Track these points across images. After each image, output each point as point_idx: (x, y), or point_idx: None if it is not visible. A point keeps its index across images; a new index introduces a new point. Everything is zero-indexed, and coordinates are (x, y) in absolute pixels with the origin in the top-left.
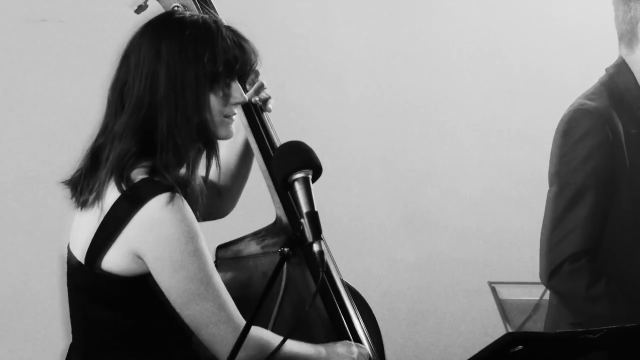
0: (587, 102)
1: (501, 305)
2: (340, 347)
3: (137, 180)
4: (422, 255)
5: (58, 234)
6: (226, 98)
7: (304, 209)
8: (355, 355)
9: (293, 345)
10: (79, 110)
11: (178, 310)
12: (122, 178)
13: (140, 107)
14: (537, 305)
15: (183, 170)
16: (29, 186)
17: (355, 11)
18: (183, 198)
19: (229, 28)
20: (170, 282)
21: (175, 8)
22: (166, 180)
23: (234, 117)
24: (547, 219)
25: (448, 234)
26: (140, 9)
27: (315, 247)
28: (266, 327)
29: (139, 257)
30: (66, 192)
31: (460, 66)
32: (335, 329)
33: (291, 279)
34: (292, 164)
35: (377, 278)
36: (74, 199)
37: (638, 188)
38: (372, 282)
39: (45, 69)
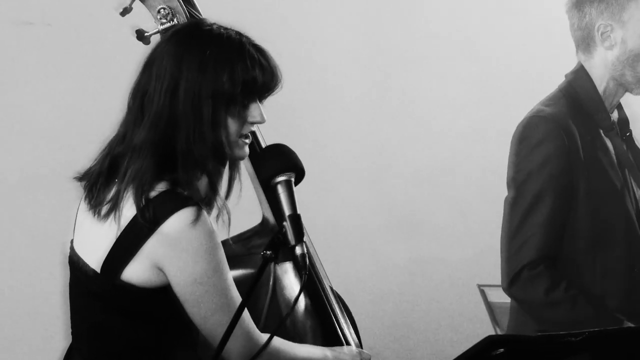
0: (544, 108)
1: (490, 307)
2: (345, 353)
3: (159, 193)
4: (411, 257)
5: (56, 235)
6: (243, 118)
7: (287, 212)
8: None
9: (299, 349)
10: (66, 113)
11: (197, 322)
12: (141, 193)
13: (158, 121)
14: None
15: (204, 189)
16: (15, 188)
17: (345, 12)
18: (206, 213)
19: (255, 47)
20: (191, 296)
21: (162, 10)
22: (189, 194)
23: (247, 140)
24: (506, 226)
25: (437, 236)
26: (125, 11)
27: (298, 250)
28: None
29: (160, 270)
30: (59, 193)
31: (450, 68)
32: (324, 332)
33: (279, 280)
34: (275, 166)
35: (366, 280)
36: (87, 200)
37: (595, 194)
38: (361, 284)
39: (32, 72)
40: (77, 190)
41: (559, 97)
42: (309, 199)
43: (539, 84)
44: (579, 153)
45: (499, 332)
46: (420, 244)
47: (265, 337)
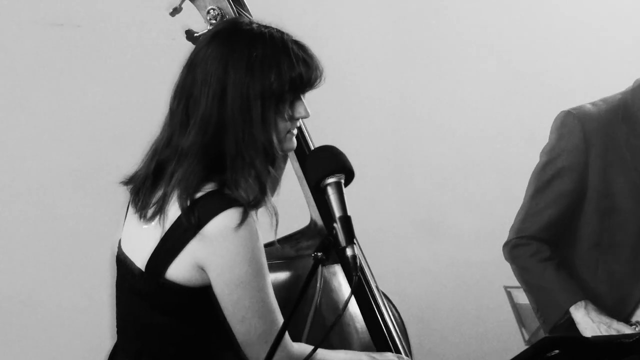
0: (587, 105)
1: (517, 309)
2: (381, 358)
3: (205, 193)
4: (437, 259)
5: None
6: (290, 115)
7: (337, 213)
8: None
9: (336, 356)
10: (95, 114)
11: (232, 324)
12: (186, 196)
13: (207, 126)
14: None
15: (253, 190)
16: (42, 189)
17: (365, 14)
18: (253, 215)
19: (295, 42)
20: (230, 297)
21: (211, 11)
22: (236, 195)
23: (295, 132)
24: (526, 195)
25: (462, 238)
26: (175, 11)
27: (349, 252)
28: (302, 331)
29: (203, 269)
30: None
31: (473, 70)
32: (372, 335)
33: (327, 283)
34: (325, 168)
35: (390, 282)
36: (133, 204)
37: (611, 196)
38: (386, 285)
39: (62, 73)
40: (108, 190)
41: (615, 99)
42: None
43: (562, 87)
44: (602, 155)
45: (525, 334)
46: (445, 246)
47: (296, 345)
